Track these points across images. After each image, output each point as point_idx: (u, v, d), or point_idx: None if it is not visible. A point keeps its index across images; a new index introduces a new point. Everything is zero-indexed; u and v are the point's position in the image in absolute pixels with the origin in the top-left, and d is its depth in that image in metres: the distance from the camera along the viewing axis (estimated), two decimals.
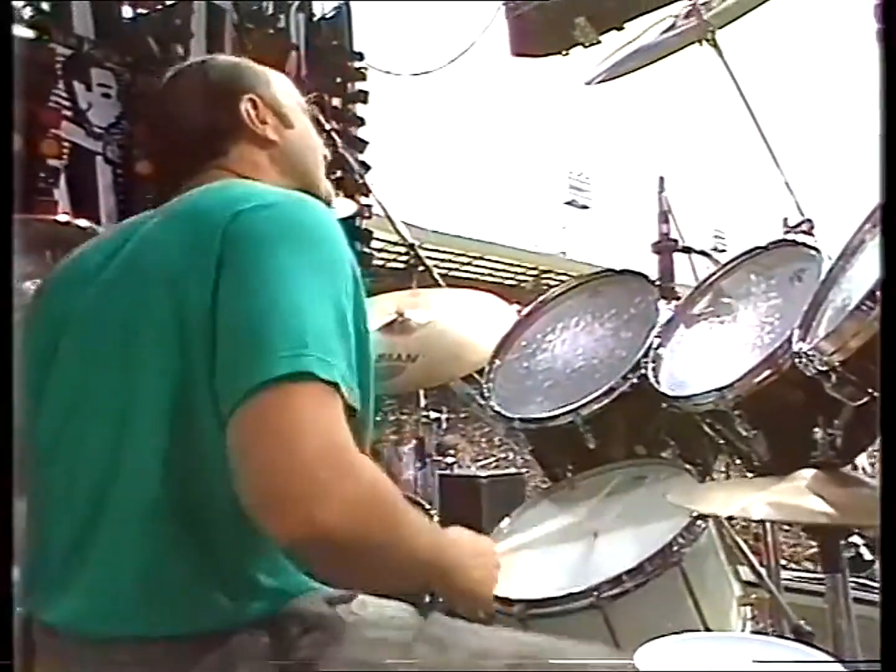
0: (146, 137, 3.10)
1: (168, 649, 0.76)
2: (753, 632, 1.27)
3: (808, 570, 2.23)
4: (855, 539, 1.79)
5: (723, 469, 1.58)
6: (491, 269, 13.49)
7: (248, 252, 0.79)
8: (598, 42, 3.75)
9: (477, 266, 13.13)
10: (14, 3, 3.04)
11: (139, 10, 3.46)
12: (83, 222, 1.83)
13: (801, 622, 1.37)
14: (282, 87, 1.08)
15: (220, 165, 0.99)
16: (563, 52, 4.13)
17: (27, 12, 3.10)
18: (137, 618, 0.77)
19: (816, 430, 1.09)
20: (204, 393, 0.77)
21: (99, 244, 0.97)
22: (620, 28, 3.76)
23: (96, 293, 0.88)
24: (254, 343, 0.74)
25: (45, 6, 3.13)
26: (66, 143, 3.05)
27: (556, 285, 1.85)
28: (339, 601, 0.84)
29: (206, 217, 0.85)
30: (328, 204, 1.06)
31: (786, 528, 2.26)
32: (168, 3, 3.55)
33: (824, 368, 1.10)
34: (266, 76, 1.08)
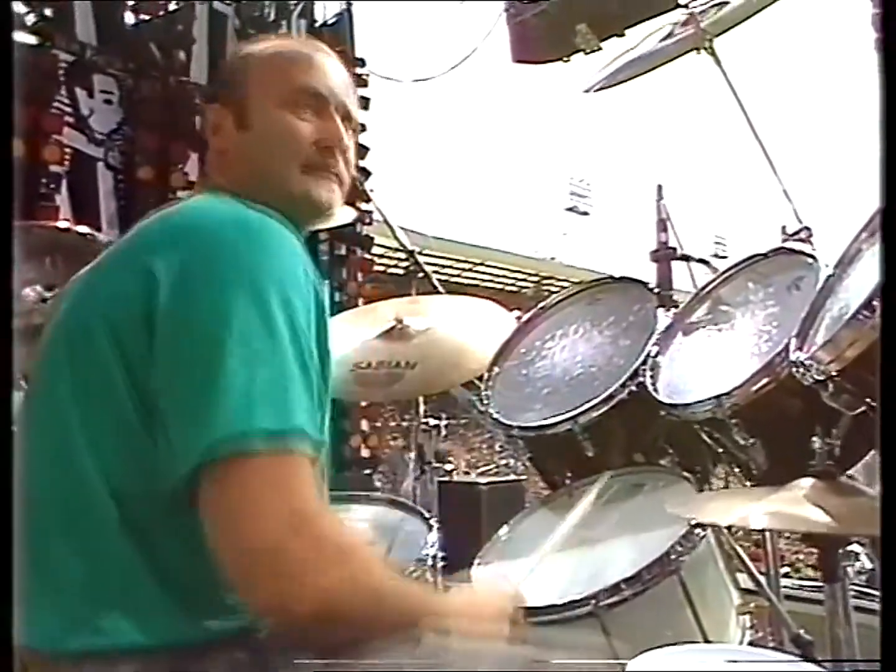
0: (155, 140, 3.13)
1: (139, 662, 0.75)
2: (752, 641, 1.27)
3: (808, 578, 2.22)
4: (855, 548, 1.79)
5: (721, 477, 1.57)
6: (491, 275, 13.50)
7: (185, 303, 0.75)
8: (600, 48, 3.76)
9: (477, 272, 13.14)
10: (17, 9, 3.06)
11: (141, 17, 3.47)
12: (83, 229, 1.83)
13: (801, 631, 1.37)
14: (256, 81, 0.96)
15: (204, 175, 1.00)
16: (565, 59, 4.15)
17: (30, 18, 3.11)
18: (108, 632, 0.76)
19: (815, 439, 1.08)
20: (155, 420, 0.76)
21: (89, 267, 0.95)
22: (621, 34, 3.77)
23: (62, 314, 0.89)
24: (201, 418, 0.71)
25: (48, 12, 3.15)
26: (67, 150, 3.06)
27: (557, 292, 1.85)
28: None
29: (144, 256, 0.81)
30: (312, 205, 0.94)
31: (786, 535, 2.25)
32: (170, 9, 3.57)
33: (821, 377, 1.10)
34: (244, 72, 0.97)
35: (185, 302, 0.76)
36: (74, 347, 0.83)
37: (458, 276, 12.15)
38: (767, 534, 1.71)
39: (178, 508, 0.74)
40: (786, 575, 2.00)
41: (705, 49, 1.78)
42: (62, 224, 2.03)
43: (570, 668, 0.80)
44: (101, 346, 0.79)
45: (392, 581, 0.80)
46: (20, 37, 3.02)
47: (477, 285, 11.89)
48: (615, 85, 1.94)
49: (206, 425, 0.71)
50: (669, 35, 1.92)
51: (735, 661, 0.89)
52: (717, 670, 0.93)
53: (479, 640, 0.83)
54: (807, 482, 1.07)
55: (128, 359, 0.77)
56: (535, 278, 14.03)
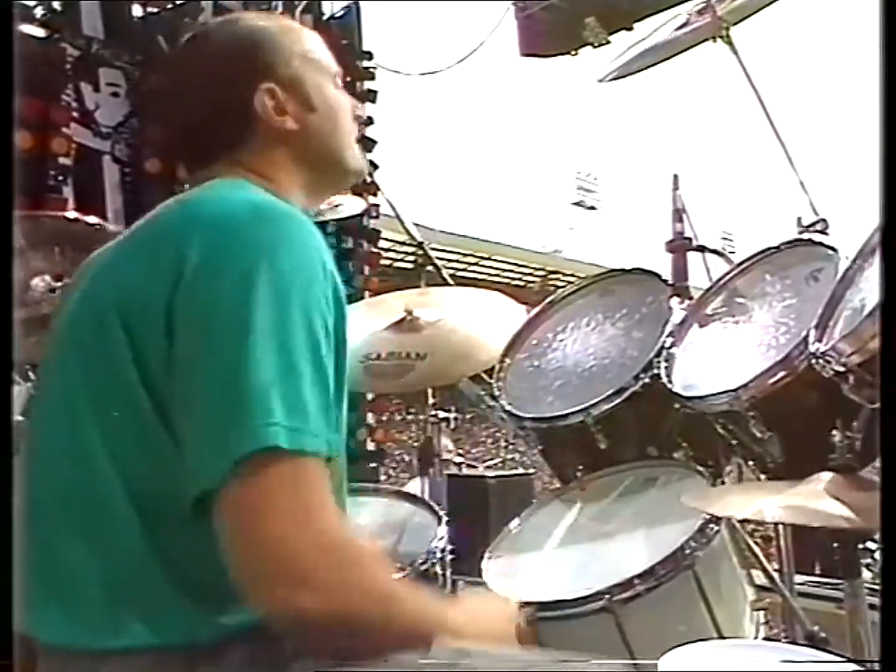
0: (157, 122, 3.11)
1: (157, 661, 0.74)
2: (767, 637, 1.25)
3: (819, 575, 2.20)
4: (870, 545, 1.77)
5: (735, 471, 1.56)
6: (497, 269, 13.48)
7: (204, 297, 0.74)
8: (608, 42, 3.75)
9: (484, 266, 13.13)
10: (26, 2, 3.05)
11: (149, 10, 3.47)
12: (92, 219, 1.82)
13: (815, 628, 1.35)
14: (304, 59, 0.96)
15: (230, 158, 0.93)
16: (573, 52, 4.13)
17: (39, 11, 3.11)
18: (124, 630, 0.75)
19: (835, 432, 1.07)
20: (165, 409, 0.75)
21: (103, 251, 0.95)
22: (630, 28, 3.75)
23: (73, 304, 0.87)
24: (221, 418, 0.71)
25: (56, 5, 3.14)
26: (73, 144, 3.06)
27: (563, 286, 1.83)
28: None
29: (162, 246, 0.80)
30: (360, 173, 1.01)
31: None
32: (178, 2, 3.56)
33: (842, 369, 1.08)
34: (288, 49, 0.95)
35: (204, 296, 0.75)
36: (87, 342, 0.81)
37: (464, 270, 12.14)
38: (781, 530, 1.69)
39: (196, 507, 0.73)
40: (799, 572, 1.98)
41: (722, 38, 1.75)
42: (71, 214, 2.02)
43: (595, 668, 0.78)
44: (116, 339, 0.77)
45: (402, 589, 0.81)
46: (29, 29, 3.02)
47: (482, 279, 11.88)
48: (629, 75, 1.92)
49: (224, 427, 0.70)
50: (685, 24, 1.89)
51: (789, 661, 0.87)
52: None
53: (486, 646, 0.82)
54: (826, 476, 1.05)
55: (142, 353, 0.76)
56: (541, 273, 14.00)
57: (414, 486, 3.24)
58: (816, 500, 1.01)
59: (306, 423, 0.72)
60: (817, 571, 1.88)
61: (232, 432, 0.70)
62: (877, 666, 0.70)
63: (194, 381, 0.73)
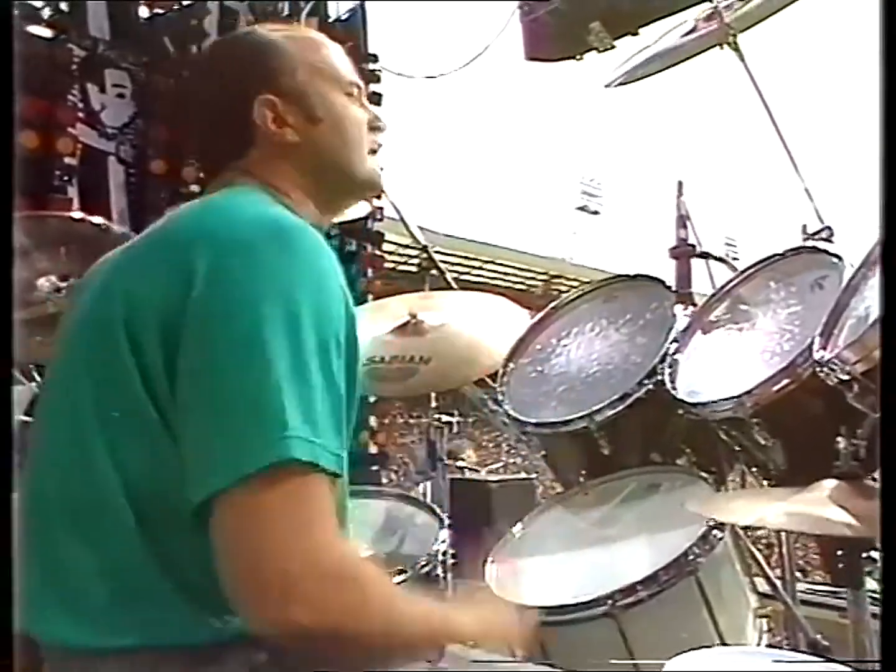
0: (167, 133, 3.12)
1: (156, 661, 0.74)
2: (770, 645, 1.25)
3: (820, 583, 2.19)
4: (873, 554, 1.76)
5: (738, 478, 1.55)
6: (501, 273, 13.48)
7: (214, 308, 0.73)
8: (613, 47, 3.74)
9: (487, 270, 13.13)
10: (33, 3, 3.07)
11: (155, 11, 3.48)
12: (98, 219, 1.82)
13: (819, 636, 1.35)
14: (313, 69, 0.95)
15: (240, 167, 0.93)
16: (577, 57, 4.13)
17: (46, 12, 3.12)
18: (123, 630, 0.75)
19: (839, 439, 1.07)
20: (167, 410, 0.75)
21: (111, 257, 0.94)
22: (635, 33, 3.75)
23: (81, 309, 0.87)
24: (233, 428, 0.70)
25: (63, 6, 3.15)
26: (79, 145, 3.06)
27: (566, 291, 1.83)
28: None
29: (172, 256, 0.79)
30: (374, 186, 0.99)
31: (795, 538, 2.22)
32: (184, 3, 3.57)
33: (846, 378, 1.08)
34: (295, 59, 0.94)
35: (215, 312, 0.74)
36: (94, 347, 0.81)
37: (468, 273, 12.14)
38: (783, 537, 1.69)
39: (195, 514, 0.73)
40: (800, 580, 1.98)
41: (729, 45, 1.75)
42: (76, 214, 2.02)
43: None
44: (121, 348, 0.77)
45: (403, 598, 0.79)
46: (35, 30, 3.03)
47: (486, 283, 11.87)
48: (636, 80, 1.92)
49: (238, 438, 0.70)
50: (693, 30, 1.89)
51: (781, 661, 0.87)
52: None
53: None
54: (830, 483, 1.05)
55: (146, 362, 0.75)
56: (544, 277, 14.00)
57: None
58: (820, 507, 1.01)
59: (320, 439, 0.71)
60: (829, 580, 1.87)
61: (247, 442, 0.69)
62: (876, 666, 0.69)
63: (202, 392, 0.72)
